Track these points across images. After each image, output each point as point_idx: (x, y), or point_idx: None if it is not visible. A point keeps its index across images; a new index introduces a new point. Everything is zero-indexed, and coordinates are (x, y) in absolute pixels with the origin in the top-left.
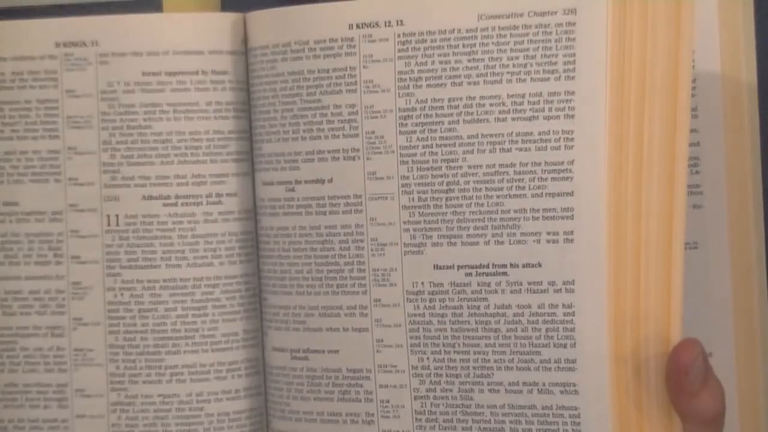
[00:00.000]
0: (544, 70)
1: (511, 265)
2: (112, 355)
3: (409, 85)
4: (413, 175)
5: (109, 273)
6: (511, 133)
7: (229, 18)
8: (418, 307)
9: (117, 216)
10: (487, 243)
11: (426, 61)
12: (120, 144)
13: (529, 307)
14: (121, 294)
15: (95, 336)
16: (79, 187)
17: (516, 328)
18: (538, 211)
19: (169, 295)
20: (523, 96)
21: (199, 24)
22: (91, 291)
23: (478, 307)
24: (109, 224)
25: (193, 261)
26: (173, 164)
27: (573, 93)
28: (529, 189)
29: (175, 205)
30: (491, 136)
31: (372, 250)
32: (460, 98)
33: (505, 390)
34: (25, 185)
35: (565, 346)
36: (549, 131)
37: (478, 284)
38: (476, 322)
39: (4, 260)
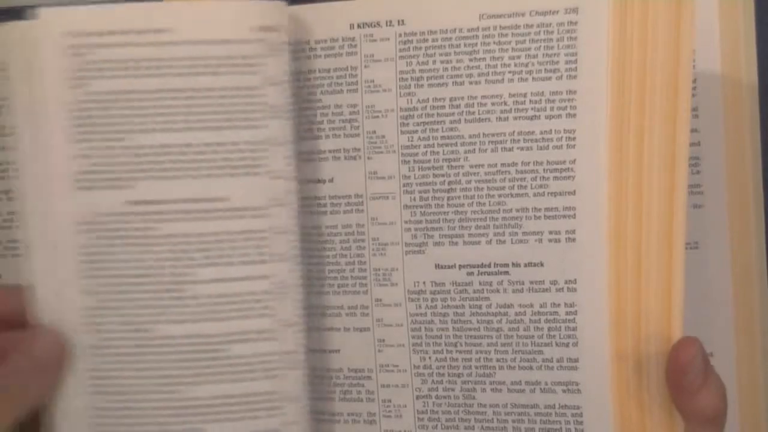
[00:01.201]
0: (545, 70)
1: (512, 264)
2: None
3: (410, 85)
4: (414, 175)
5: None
6: (513, 132)
7: None
8: (419, 306)
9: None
10: (489, 242)
11: (427, 61)
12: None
13: (531, 306)
14: None
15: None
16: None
17: (518, 327)
18: (539, 210)
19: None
20: (525, 95)
21: None
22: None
23: (480, 307)
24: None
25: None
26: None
27: (575, 92)
28: (531, 188)
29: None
30: (493, 135)
31: (373, 249)
32: (462, 97)
33: (508, 389)
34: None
35: (567, 345)
36: (551, 130)
37: (480, 283)
38: (478, 322)
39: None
